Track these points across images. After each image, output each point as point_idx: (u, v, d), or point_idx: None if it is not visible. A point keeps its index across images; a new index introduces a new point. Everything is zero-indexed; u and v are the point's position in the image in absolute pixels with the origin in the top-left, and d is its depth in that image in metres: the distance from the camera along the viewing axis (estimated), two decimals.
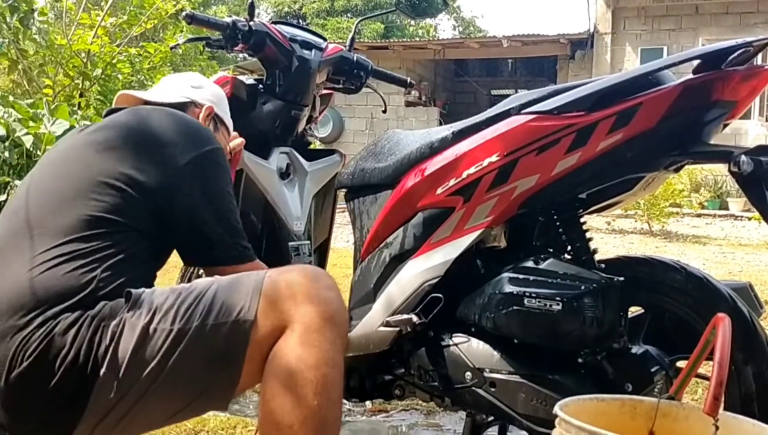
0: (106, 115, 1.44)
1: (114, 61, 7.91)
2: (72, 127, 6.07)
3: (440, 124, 12.48)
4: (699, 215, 9.89)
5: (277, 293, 1.16)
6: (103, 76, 7.87)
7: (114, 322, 1.15)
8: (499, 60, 14.01)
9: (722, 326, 0.98)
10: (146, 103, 1.52)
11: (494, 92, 15.12)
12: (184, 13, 1.78)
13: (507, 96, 12.02)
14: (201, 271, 2.08)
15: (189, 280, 2.02)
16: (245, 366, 1.15)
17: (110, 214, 1.25)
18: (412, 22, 18.42)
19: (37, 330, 1.14)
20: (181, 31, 8.57)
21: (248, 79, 1.94)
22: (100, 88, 7.98)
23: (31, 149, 6.10)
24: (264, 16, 23.31)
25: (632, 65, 11.27)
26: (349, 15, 21.86)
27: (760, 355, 1.35)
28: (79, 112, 7.08)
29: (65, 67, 7.86)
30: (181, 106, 1.53)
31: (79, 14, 8.18)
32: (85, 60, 7.87)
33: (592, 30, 11.50)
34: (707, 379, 1.43)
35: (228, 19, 1.84)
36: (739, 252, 6.96)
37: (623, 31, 11.37)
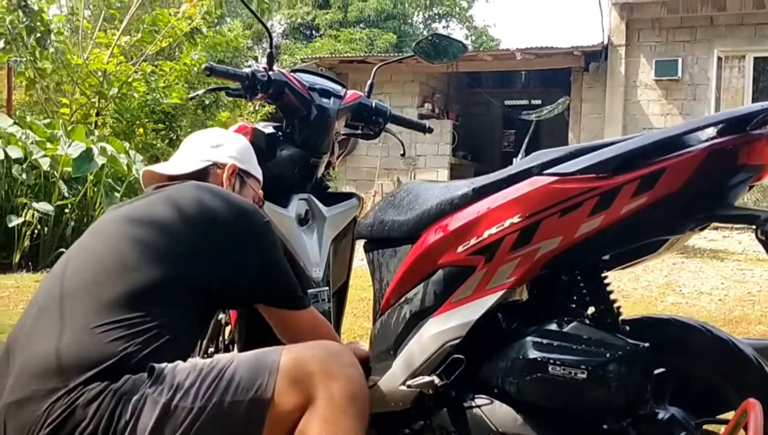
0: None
1: (130, 80, 7.99)
2: (89, 148, 6.13)
3: (454, 137, 12.46)
4: (716, 228, 9.77)
5: (297, 371, 1.17)
6: (119, 95, 7.95)
7: (135, 397, 1.16)
8: (513, 71, 13.98)
9: (754, 415, 0.97)
10: (171, 178, 1.53)
11: (507, 102, 15.08)
12: (203, 66, 1.78)
13: (521, 106, 11.92)
14: (227, 327, 2.07)
15: (211, 342, 2.02)
16: None
17: (154, 291, 1.27)
18: (426, 34, 18.42)
19: (61, 399, 1.15)
20: (196, 49, 8.63)
21: (267, 128, 1.94)
22: (116, 107, 8.07)
23: (49, 170, 6.17)
24: (277, 27, 23.42)
25: (647, 77, 11.21)
26: (362, 25, 21.93)
27: None
28: (96, 132, 7.15)
29: (81, 86, 7.95)
30: (204, 172, 1.54)
31: (96, 33, 8.26)
32: (101, 79, 7.95)
33: (606, 42, 11.43)
34: None
35: (247, 70, 1.84)
36: (758, 268, 6.89)
37: (637, 43, 11.30)
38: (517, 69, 13.22)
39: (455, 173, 12.19)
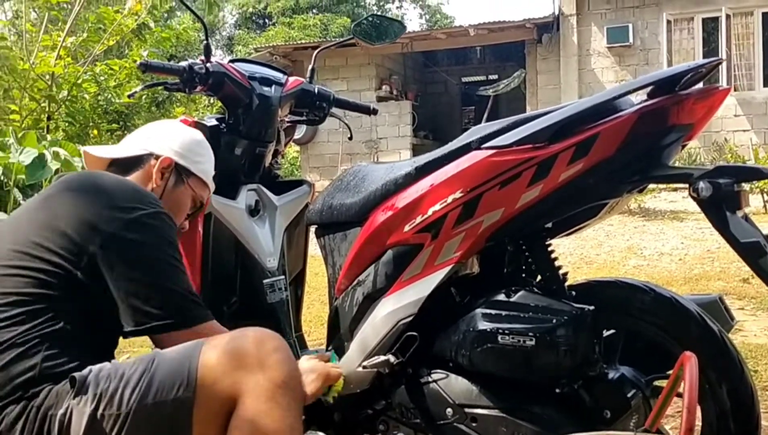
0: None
1: (79, 81, 7.82)
2: (41, 154, 6.00)
3: (414, 117, 12.45)
4: (675, 189, 9.95)
5: (219, 364, 1.15)
6: (69, 98, 7.78)
7: (60, 411, 1.15)
8: (468, 48, 14.00)
9: (689, 367, 1.00)
10: (109, 160, 1.51)
11: (465, 79, 15.11)
12: (138, 63, 1.76)
13: (478, 83, 11.90)
14: None
15: None
16: None
17: (47, 289, 1.23)
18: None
19: None
20: (145, 45, 8.49)
21: (210, 121, 1.92)
22: (67, 110, 7.90)
23: (2, 179, 6.03)
24: (229, 18, 23.12)
25: (599, 45, 11.31)
26: (315, 11, 21.75)
27: (732, 373, 1.37)
28: (48, 137, 7.00)
29: (30, 91, 7.76)
30: (138, 160, 1.50)
31: (40, 36, 8.06)
32: (49, 82, 7.77)
33: (557, 12, 11.50)
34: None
35: (184, 63, 1.82)
36: None
37: (588, 12, 11.39)
38: (472, 45, 13.23)
39: (418, 154, 12.16)
